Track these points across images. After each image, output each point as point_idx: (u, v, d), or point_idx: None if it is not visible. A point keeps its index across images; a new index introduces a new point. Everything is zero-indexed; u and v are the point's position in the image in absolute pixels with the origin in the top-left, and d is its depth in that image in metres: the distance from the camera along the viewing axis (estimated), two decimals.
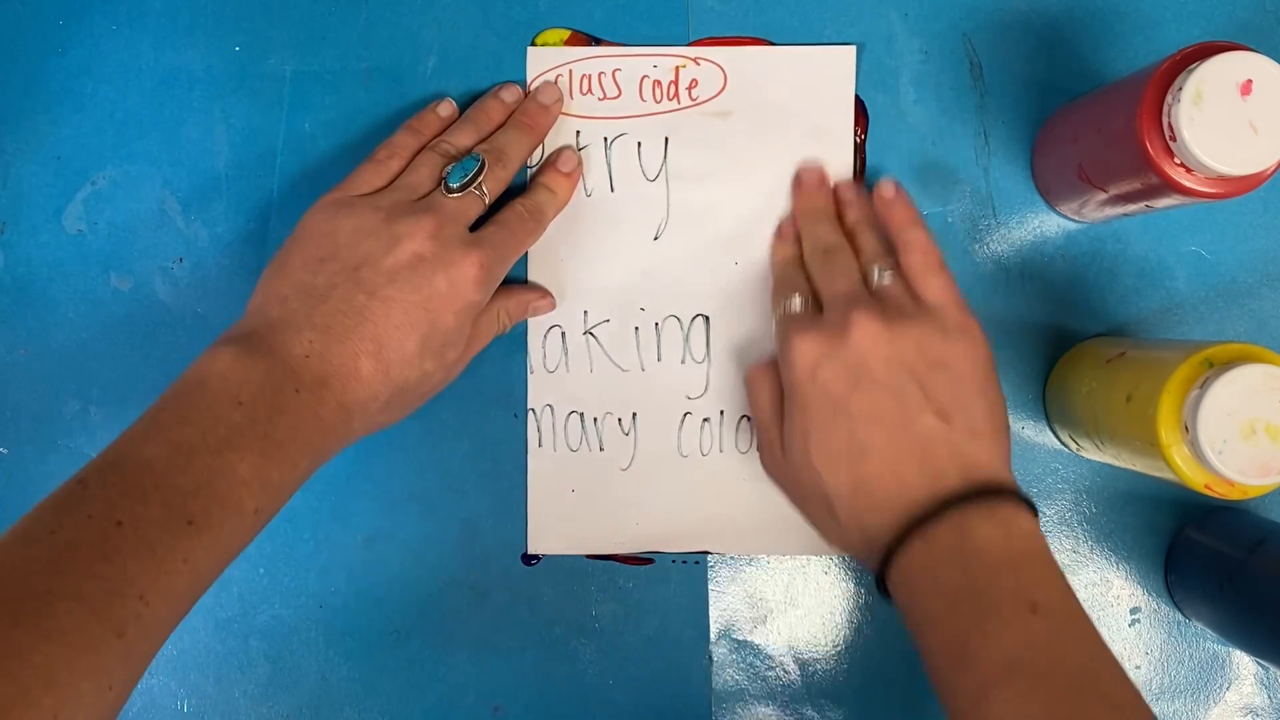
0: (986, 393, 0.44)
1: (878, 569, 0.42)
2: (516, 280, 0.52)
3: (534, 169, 0.52)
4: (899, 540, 0.41)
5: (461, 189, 0.47)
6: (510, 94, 0.51)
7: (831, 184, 0.52)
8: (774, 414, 0.47)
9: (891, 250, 0.48)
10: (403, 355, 0.44)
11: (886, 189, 0.49)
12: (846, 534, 0.44)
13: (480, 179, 0.47)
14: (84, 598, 0.34)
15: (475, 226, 0.47)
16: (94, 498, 0.37)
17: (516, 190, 0.50)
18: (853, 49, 0.52)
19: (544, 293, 0.52)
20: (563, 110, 0.52)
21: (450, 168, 0.47)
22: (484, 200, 0.48)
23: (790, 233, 0.52)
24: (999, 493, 0.41)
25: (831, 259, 0.48)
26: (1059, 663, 0.37)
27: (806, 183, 0.52)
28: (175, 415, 0.40)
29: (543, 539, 0.53)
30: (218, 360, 0.41)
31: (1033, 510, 0.42)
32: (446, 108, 0.51)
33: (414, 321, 0.44)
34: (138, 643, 0.35)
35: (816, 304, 0.48)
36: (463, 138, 0.50)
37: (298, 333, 0.43)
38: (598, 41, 0.53)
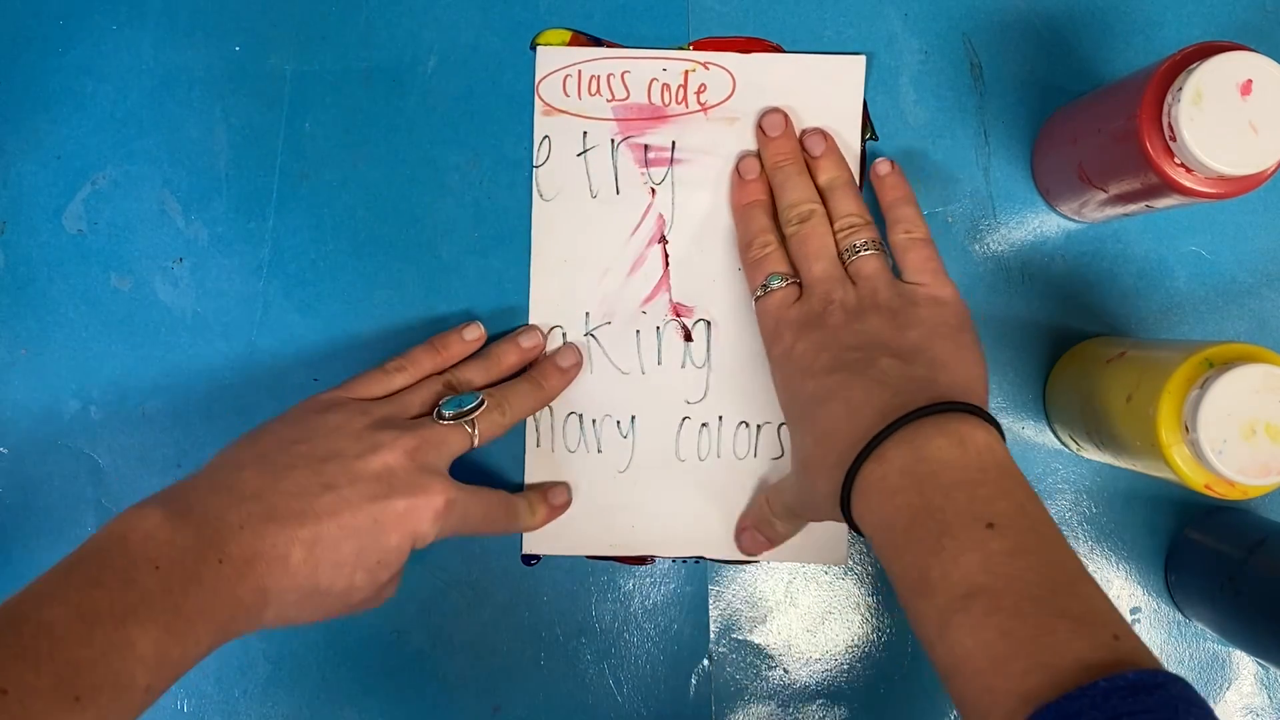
0: (956, 336, 0.45)
1: (841, 501, 0.41)
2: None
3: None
4: (855, 465, 0.40)
5: (454, 419, 0.47)
6: (529, 340, 0.51)
7: (797, 130, 0.52)
8: None
9: (865, 212, 0.49)
10: (336, 558, 0.42)
11: (882, 166, 0.50)
12: (817, 490, 0.43)
13: (474, 416, 0.47)
14: None
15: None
16: None
17: None
18: (862, 58, 0.52)
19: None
20: (572, 112, 0.52)
21: (449, 399, 0.48)
22: (473, 439, 0.47)
23: (755, 172, 0.51)
24: (954, 408, 0.40)
25: (807, 231, 0.49)
26: (1016, 581, 0.35)
27: (771, 128, 0.51)
28: (87, 575, 0.38)
29: (537, 539, 0.53)
30: (145, 519, 0.40)
31: (994, 425, 0.41)
32: (473, 332, 0.51)
33: (358, 528, 0.43)
34: None
35: (791, 267, 0.49)
36: (473, 374, 0.50)
37: (239, 502, 0.41)
38: (599, 42, 0.53)
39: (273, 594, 0.41)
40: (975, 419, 0.40)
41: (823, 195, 0.50)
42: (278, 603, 0.42)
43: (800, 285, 0.48)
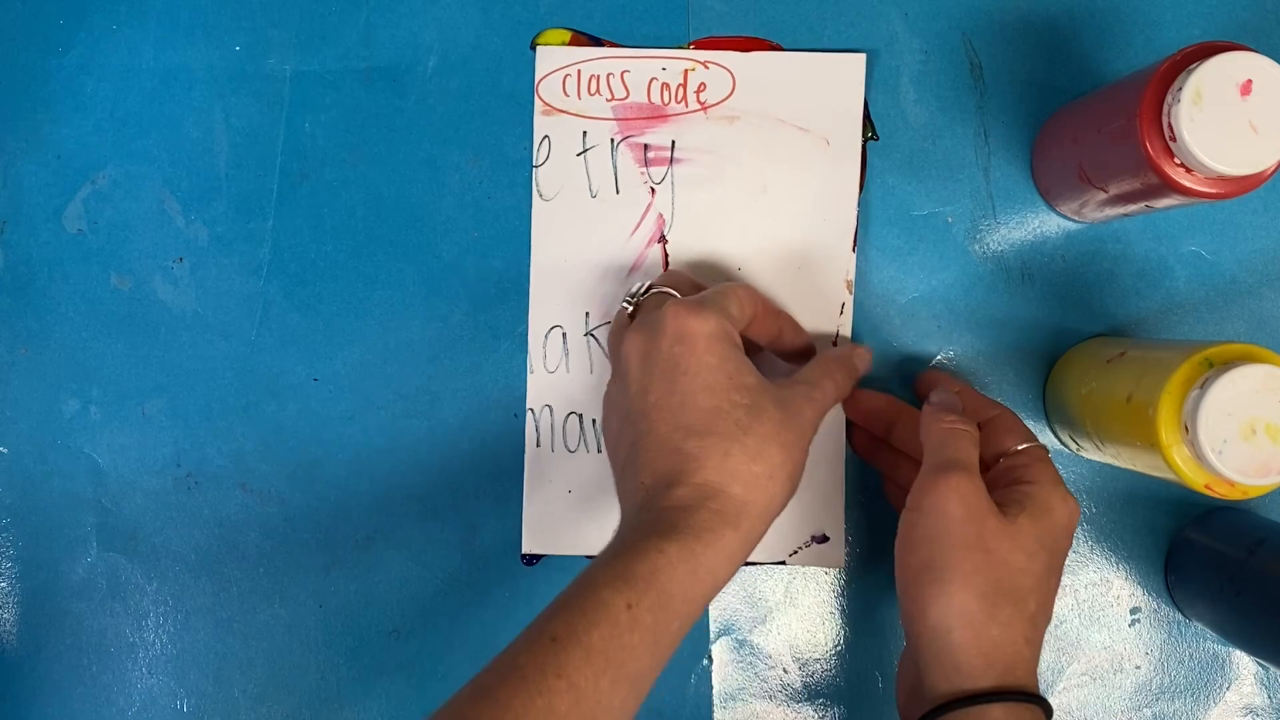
0: None
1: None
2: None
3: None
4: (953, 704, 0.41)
5: (633, 303, 0.47)
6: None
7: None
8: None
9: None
10: (699, 420, 0.42)
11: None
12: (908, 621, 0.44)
13: (647, 287, 0.47)
14: None
15: None
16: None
17: None
18: (862, 56, 0.52)
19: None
20: (572, 112, 0.52)
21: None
22: (665, 290, 0.47)
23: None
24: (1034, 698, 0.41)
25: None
26: None
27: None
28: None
29: (537, 539, 0.53)
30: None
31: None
32: None
33: (681, 399, 0.42)
34: None
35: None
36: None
37: (690, 463, 0.41)
38: (599, 42, 0.53)
39: (743, 512, 0.41)
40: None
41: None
42: (761, 511, 0.42)
43: None
